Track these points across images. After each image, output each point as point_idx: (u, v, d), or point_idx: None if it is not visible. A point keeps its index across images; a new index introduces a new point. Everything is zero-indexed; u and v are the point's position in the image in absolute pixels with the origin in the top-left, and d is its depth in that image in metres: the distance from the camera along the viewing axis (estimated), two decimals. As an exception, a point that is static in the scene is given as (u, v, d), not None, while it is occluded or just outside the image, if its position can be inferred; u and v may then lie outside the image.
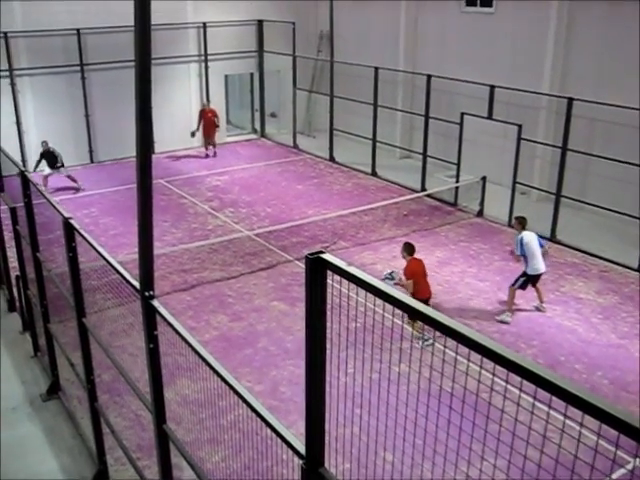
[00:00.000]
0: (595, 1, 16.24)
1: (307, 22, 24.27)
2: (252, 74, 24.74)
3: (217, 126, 22.09)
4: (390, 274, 10.84)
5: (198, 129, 21.96)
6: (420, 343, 9.28)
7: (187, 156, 22.28)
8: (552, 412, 2.44)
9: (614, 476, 2.50)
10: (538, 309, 12.23)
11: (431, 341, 9.04)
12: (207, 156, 22.19)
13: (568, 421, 2.34)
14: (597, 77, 16.31)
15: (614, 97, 14.61)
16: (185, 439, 5.42)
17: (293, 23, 22.52)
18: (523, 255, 11.89)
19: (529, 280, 12.00)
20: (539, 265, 11.92)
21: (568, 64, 17.14)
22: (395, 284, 10.55)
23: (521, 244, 11.85)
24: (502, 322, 11.77)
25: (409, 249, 11.13)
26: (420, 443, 3.35)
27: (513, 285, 12.02)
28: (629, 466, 2.59)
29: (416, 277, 10.75)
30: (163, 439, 5.57)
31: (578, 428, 2.37)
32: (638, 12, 15.33)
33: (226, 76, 23.88)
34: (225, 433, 4.88)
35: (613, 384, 10.01)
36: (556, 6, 16.84)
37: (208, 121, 21.84)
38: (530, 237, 11.91)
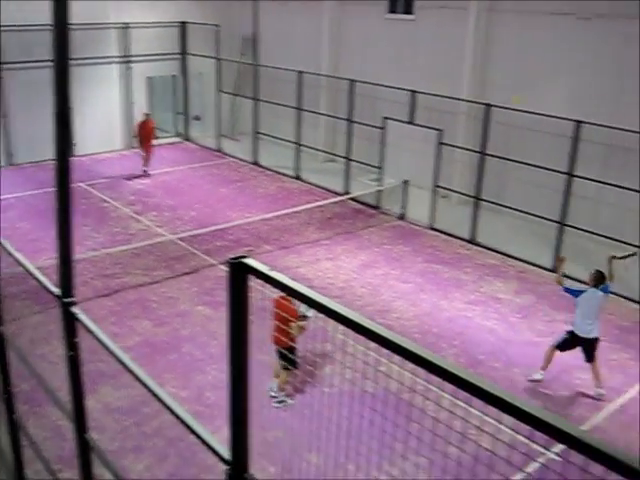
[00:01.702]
0: (511, 13, 16.80)
1: (231, 25, 24.15)
2: (175, 76, 24.46)
3: (156, 138, 20.60)
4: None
5: (141, 143, 20.25)
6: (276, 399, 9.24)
7: (109, 159, 21.84)
8: (472, 410, 2.52)
9: (528, 469, 2.62)
10: (594, 397, 10.03)
11: (287, 402, 9.10)
12: (145, 171, 20.30)
13: (487, 418, 2.43)
14: (513, 84, 16.86)
15: (529, 104, 15.13)
16: (108, 448, 5.32)
17: (217, 25, 22.39)
18: (575, 303, 10.12)
19: (573, 341, 10.13)
20: (588, 327, 9.94)
21: (486, 71, 17.66)
22: None
23: (578, 293, 10.06)
24: (534, 381, 10.34)
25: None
26: (344, 444, 3.41)
27: (554, 344, 10.35)
28: (541, 459, 2.71)
29: (277, 319, 8.14)
30: (84, 449, 5.45)
31: (495, 425, 2.46)
32: (551, 24, 15.96)
33: (149, 78, 23.51)
34: (149, 440, 4.82)
35: (530, 381, 10.36)
36: (474, 16, 17.34)
37: (148, 133, 20.12)
38: (594, 296, 9.96)
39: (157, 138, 20.79)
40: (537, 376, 10.29)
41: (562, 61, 16.02)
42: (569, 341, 10.09)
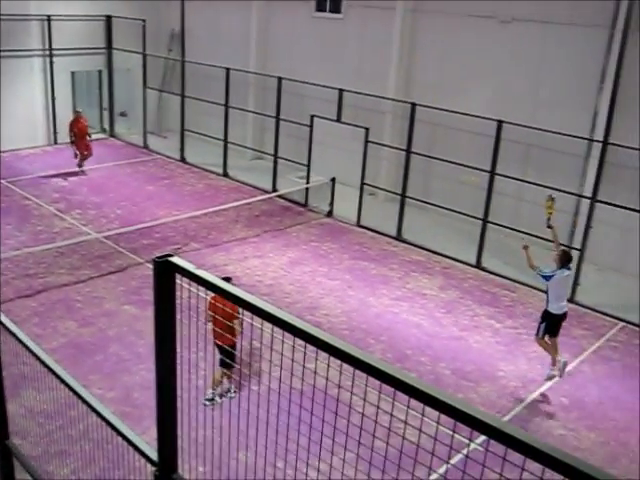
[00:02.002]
0: (436, 14, 17.13)
1: (158, 20, 23.78)
2: (101, 71, 23.89)
3: (89, 135, 19.90)
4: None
5: (72, 142, 19.52)
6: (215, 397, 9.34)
7: (31, 155, 21.20)
8: (397, 404, 2.59)
9: (453, 461, 2.72)
10: (549, 378, 10.38)
11: (216, 400, 9.20)
12: (82, 169, 19.74)
13: (412, 412, 2.50)
14: (438, 84, 17.20)
15: (453, 104, 15.46)
16: (31, 453, 5.20)
17: (143, 20, 22.02)
18: (545, 290, 10.51)
19: (553, 323, 10.32)
20: (562, 304, 10.37)
21: (412, 71, 17.96)
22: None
23: (550, 277, 10.18)
24: (550, 378, 10.34)
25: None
26: (273, 442, 3.43)
27: (537, 335, 10.45)
28: (465, 451, 2.81)
29: (214, 320, 8.38)
30: (6, 455, 5.31)
31: (420, 417, 2.54)
32: (473, 26, 16.36)
33: (72, 73, 22.89)
34: (75, 444, 4.73)
35: (455, 374, 10.62)
36: (400, 16, 17.60)
37: (82, 131, 19.44)
38: (563, 276, 10.27)
39: (90, 135, 19.94)
40: (554, 372, 10.25)
41: (484, 62, 16.45)
42: (551, 324, 10.26)
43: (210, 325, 8.18)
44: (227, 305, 8.29)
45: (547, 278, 10.20)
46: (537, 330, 10.42)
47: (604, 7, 14.22)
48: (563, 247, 10.86)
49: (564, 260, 10.28)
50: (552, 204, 10.76)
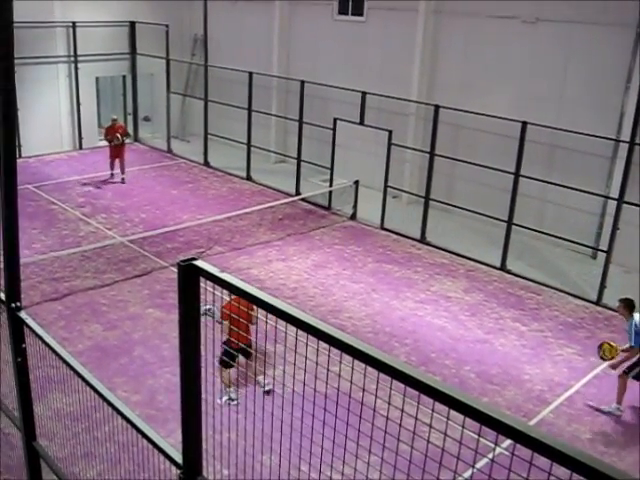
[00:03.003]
0: (458, 15, 17.05)
1: (181, 25, 23.96)
2: (125, 77, 24.11)
3: (124, 144, 19.67)
4: (208, 310, 9.34)
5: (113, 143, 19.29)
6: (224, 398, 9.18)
7: (56, 160, 21.44)
8: (422, 408, 2.57)
9: (478, 465, 2.68)
10: (612, 413, 9.94)
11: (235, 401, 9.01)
12: (112, 175, 19.76)
13: (437, 415, 2.48)
14: (461, 86, 17.12)
15: (477, 105, 15.37)
16: (58, 455, 5.24)
17: (167, 25, 22.18)
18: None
19: None
20: None
21: (435, 73, 17.90)
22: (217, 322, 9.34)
23: (636, 332, 9.65)
24: (611, 414, 9.87)
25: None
26: (298, 445, 3.43)
27: (627, 373, 9.81)
28: (490, 455, 2.78)
29: (232, 320, 8.27)
30: (33, 457, 5.36)
31: (445, 421, 2.51)
32: (496, 26, 16.27)
33: (97, 78, 23.14)
34: (101, 446, 4.77)
35: (479, 377, 10.55)
36: (422, 18, 17.54)
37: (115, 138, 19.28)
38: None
39: (122, 142, 19.52)
40: (616, 411, 9.87)
41: (508, 63, 16.33)
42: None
43: (226, 324, 8.15)
44: (243, 305, 8.36)
45: (637, 332, 9.62)
46: (629, 369, 9.75)
47: (629, 6, 14.05)
48: (623, 299, 10.12)
49: (630, 307, 9.85)
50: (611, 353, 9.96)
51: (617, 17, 14.35)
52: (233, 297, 8.62)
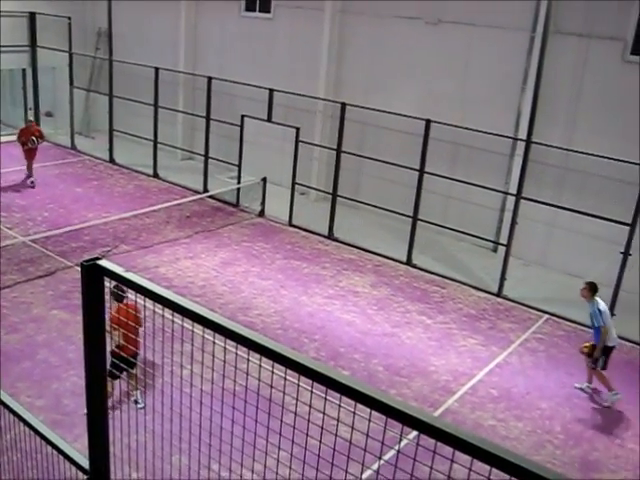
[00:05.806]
0: (364, 15, 17.30)
1: (84, 18, 23.26)
2: (24, 70, 23.17)
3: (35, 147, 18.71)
4: None
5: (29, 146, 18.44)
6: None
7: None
8: (331, 402, 2.62)
9: (386, 457, 2.76)
10: (583, 389, 10.67)
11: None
12: (28, 177, 18.71)
13: (345, 409, 2.54)
14: (368, 84, 17.39)
15: (383, 103, 15.66)
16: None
17: (69, 18, 21.48)
18: (599, 326, 10.23)
19: (608, 354, 10.38)
20: (614, 333, 10.42)
21: (342, 71, 18.10)
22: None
23: (599, 313, 10.17)
24: (613, 402, 10.32)
25: (117, 296, 8.29)
26: (207, 445, 3.43)
27: (595, 368, 10.41)
28: (397, 447, 2.86)
29: (123, 327, 7.93)
30: None
31: (357, 415, 2.57)
32: (400, 27, 16.60)
33: (-5, 71, 22.18)
34: (2, 455, 4.61)
35: (387, 370, 10.77)
36: (329, 17, 17.70)
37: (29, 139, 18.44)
38: (603, 304, 10.42)
39: (34, 143, 18.59)
40: (618, 396, 10.30)
41: (412, 63, 16.70)
42: (606, 357, 10.33)
43: (115, 336, 7.84)
44: (130, 317, 8.24)
45: (599, 319, 10.13)
46: (594, 362, 10.31)
47: (525, 11, 14.65)
48: (589, 281, 10.55)
49: (593, 289, 10.30)
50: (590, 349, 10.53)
51: (514, 21, 14.93)
52: (118, 305, 8.53)
